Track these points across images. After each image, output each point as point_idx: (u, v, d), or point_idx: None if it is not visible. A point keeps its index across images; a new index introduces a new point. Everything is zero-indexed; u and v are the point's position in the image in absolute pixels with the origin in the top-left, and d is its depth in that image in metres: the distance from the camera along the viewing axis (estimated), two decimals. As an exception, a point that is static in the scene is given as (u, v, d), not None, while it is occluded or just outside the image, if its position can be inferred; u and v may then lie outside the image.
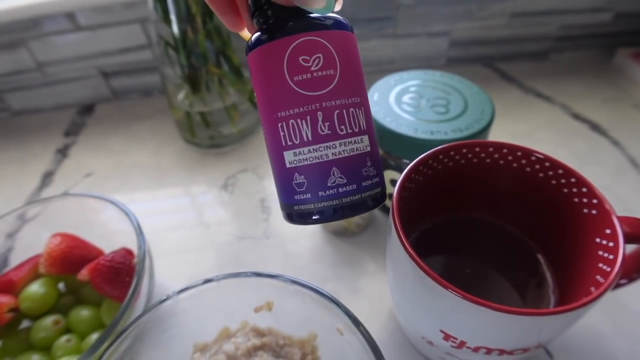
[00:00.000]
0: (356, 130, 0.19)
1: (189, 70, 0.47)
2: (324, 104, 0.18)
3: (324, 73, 0.18)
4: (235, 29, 0.22)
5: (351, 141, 0.19)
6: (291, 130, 0.19)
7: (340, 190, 0.19)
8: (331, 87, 0.18)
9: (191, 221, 0.46)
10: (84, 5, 0.54)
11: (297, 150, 0.19)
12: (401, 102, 0.37)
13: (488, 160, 0.29)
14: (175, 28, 0.44)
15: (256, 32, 0.19)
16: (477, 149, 0.28)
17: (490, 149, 0.28)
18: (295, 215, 0.20)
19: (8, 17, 0.54)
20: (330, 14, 0.19)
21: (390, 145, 0.35)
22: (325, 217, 0.19)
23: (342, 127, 0.19)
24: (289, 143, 0.19)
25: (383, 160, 0.37)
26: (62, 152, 0.57)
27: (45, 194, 0.51)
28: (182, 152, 0.55)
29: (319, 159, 0.19)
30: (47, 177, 0.53)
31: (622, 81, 0.62)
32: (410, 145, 0.34)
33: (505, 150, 0.28)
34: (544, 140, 0.52)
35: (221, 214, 0.46)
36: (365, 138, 0.19)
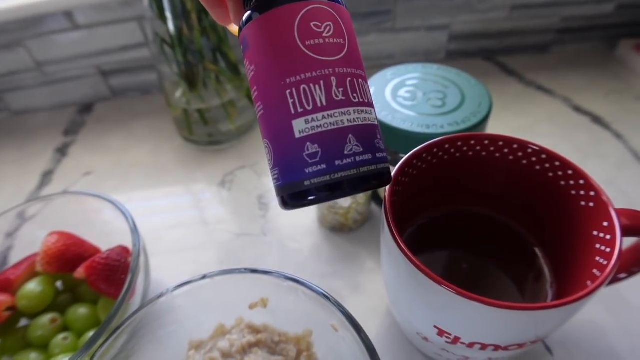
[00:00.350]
0: (366, 100, 0.19)
1: (185, 67, 0.47)
2: (337, 70, 0.18)
3: (335, 40, 0.18)
4: (224, 22, 0.22)
5: (363, 110, 0.18)
6: (302, 96, 0.18)
7: (358, 159, 0.18)
8: (342, 54, 0.18)
9: (190, 218, 0.45)
10: (82, 3, 0.54)
11: (309, 117, 0.18)
12: (397, 96, 0.37)
13: (484, 153, 0.28)
14: (170, 25, 0.44)
15: (253, 6, 0.19)
16: (473, 142, 0.28)
17: (486, 142, 0.28)
18: (298, 195, 0.18)
19: (6, 17, 0.54)
20: None
21: (386, 139, 0.34)
22: (334, 192, 0.18)
23: (355, 95, 0.18)
24: (300, 110, 0.18)
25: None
26: (62, 151, 0.57)
27: (45, 192, 0.51)
28: (181, 149, 0.55)
29: (334, 125, 0.18)
30: (47, 176, 0.53)
31: (624, 73, 0.61)
32: (406, 139, 0.33)
33: (501, 143, 0.28)
34: (545, 134, 0.52)
35: (219, 211, 0.46)
36: (373, 111, 0.19)
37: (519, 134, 0.51)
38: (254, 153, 0.52)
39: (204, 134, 0.52)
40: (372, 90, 0.37)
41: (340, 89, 0.18)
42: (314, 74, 0.18)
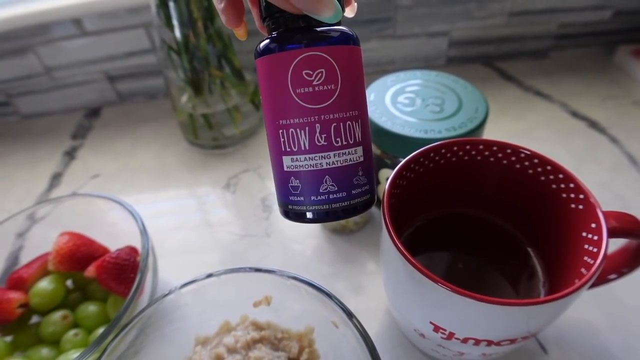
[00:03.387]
0: (351, 142, 0.20)
1: (191, 73, 0.48)
2: (322, 117, 0.19)
3: (325, 87, 0.19)
4: (232, 25, 0.22)
5: (345, 152, 0.20)
6: (290, 138, 0.20)
7: (331, 196, 0.20)
8: (330, 101, 0.19)
9: (195, 220, 0.47)
10: (90, 11, 0.56)
11: (294, 157, 0.20)
12: (397, 102, 0.38)
13: (479, 158, 0.30)
14: (177, 32, 0.45)
15: (266, 38, 0.20)
16: (468, 147, 0.29)
17: (481, 147, 0.29)
18: (291, 213, 0.21)
19: (17, 24, 0.56)
20: (338, 27, 0.20)
21: (385, 144, 0.36)
22: (317, 218, 0.21)
23: (338, 139, 0.20)
24: (288, 149, 0.20)
25: (379, 159, 0.38)
26: (70, 154, 0.58)
27: (54, 194, 0.52)
28: (186, 153, 0.56)
29: (313, 167, 0.20)
30: (56, 179, 0.55)
31: (621, 78, 0.62)
32: (405, 144, 0.34)
33: (495, 148, 0.29)
34: (543, 139, 0.53)
35: (224, 213, 0.47)
36: (359, 149, 0.21)
37: (517, 138, 0.53)
38: (258, 157, 0.54)
39: (209, 138, 0.53)
40: (372, 97, 0.39)
41: (323, 135, 0.20)
42: (301, 120, 0.19)
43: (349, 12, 0.22)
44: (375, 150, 0.38)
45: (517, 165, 0.29)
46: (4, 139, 0.64)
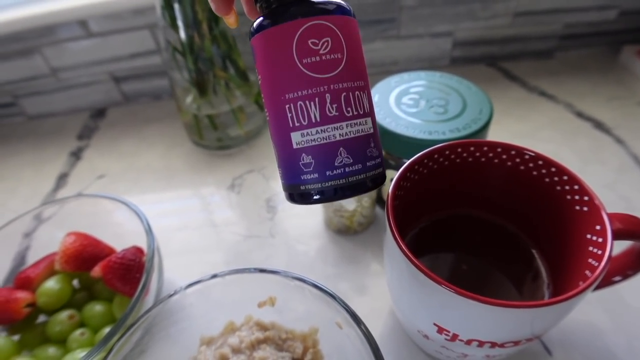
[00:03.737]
0: (361, 112, 0.20)
1: (196, 74, 0.48)
2: (331, 86, 0.19)
3: (332, 56, 0.19)
4: (222, 13, 0.22)
5: (357, 122, 0.19)
6: (299, 112, 0.19)
7: (347, 169, 0.19)
8: (338, 70, 0.19)
9: (199, 221, 0.47)
10: (95, 12, 0.56)
11: (305, 131, 0.19)
12: (401, 103, 0.38)
13: (483, 159, 0.30)
14: (182, 34, 0.46)
15: (261, 15, 0.20)
16: (472, 149, 0.29)
17: (485, 148, 0.29)
18: (298, 195, 0.20)
19: (23, 25, 0.56)
20: (334, 0, 0.19)
21: (390, 145, 0.36)
22: (327, 196, 0.20)
23: (349, 108, 0.19)
24: (297, 124, 0.19)
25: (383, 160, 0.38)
26: (76, 155, 0.59)
27: (60, 195, 0.53)
28: (191, 153, 0.56)
29: (327, 139, 0.19)
30: (62, 179, 0.55)
31: (627, 79, 0.62)
32: (409, 145, 0.34)
33: (499, 149, 0.29)
34: (547, 139, 0.53)
35: (228, 214, 0.48)
36: (369, 120, 0.20)
37: (521, 139, 0.53)
38: (262, 157, 0.54)
39: (214, 139, 0.53)
40: (376, 98, 0.39)
41: (334, 105, 0.19)
42: (310, 91, 0.19)
43: None
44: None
45: (522, 167, 0.29)
46: (11, 140, 0.64)
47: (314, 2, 0.19)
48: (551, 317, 0.22)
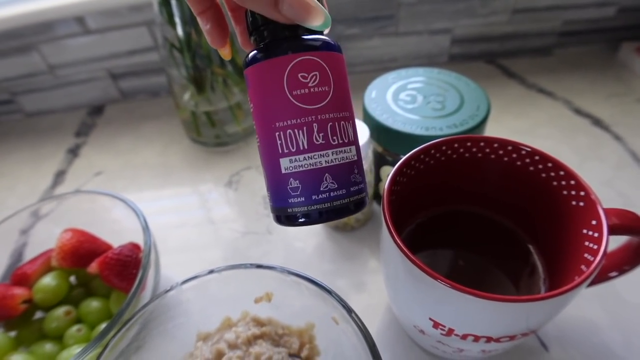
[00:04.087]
0: (346, 141, 0.21)
1: (193, 71, 0.48)
2: (319, 117, 0.20)
3: (320, 89, 0.20)
4: (217, 46, 0.24)
5: (342, 150, 0.21)
6: (288, 139, 0.20)
7: (332, 194, 0.20)
8: (326, 101, 0.20)
9: (197, 218, 0.47)
10: (93, 9, 0.56)
11: (293, 157, 0.20)
12: (398, 99, 0.38)
13: (479, 155, 0.30)
14: (179, 30, 0.45)
15: (255, 49, 0.21)
16: (469, 144, 0.29)
17: (482, 144, 0.29)
18: (285, 217, 0.22)
19: (20, 22, 0.56)
20: (323, 37, 0.21)
21: (387, 141, 0.36)
22: (312, 219, 0.21)
23: (335, 137, 0.20)
24: (286, 151, 0.20)
25: (380, 156, 0.38)
26: (73, 152, 0.59)
27: (58, 192, 0.52)
28: (188, 150, 0.56)
29: (313, 165, 0.20)
30: (59, 176, 0.55)
31: (626, 76, 0.62)
32: (406, 141, 0.34)
33: (496, 145, 0.29)
34: (545, 136, 0.53)
35: (226, 211, 0.48)
36: (353, 148, 0.21)
37: (520, 136, 0.53)
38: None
39: (211, 136, 0.53)
40: (373, 94, 0.39)
41: (321, 134, 0.20)
42: (299, 120, 0.20)
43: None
44: (377, 147, 0.38)
45: (518, 162, 0.29)
46: (8, 137, 0.64)
47: (303, 38, 0.20)
48: (546, 311, 0.22)
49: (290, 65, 0.20)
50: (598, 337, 0.33)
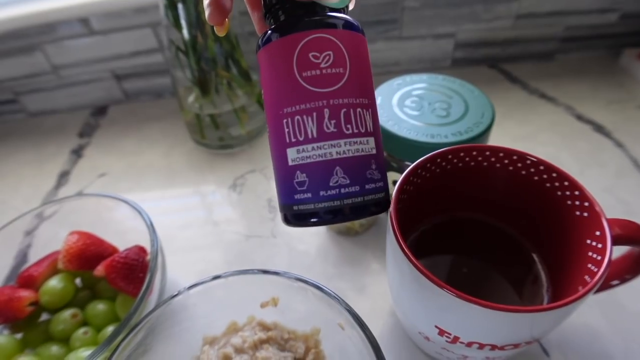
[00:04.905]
0: (362, 130, 0.19)
1: (198, 73, 0.48)
2: (331, 102, 0.18)
3: (334, 71, 0.18)
4: (215, 22, 0.21)
5: (357, 141, 0.18)
6: (296, 127, 0.18)
7: (342, 190, 0.18)
8: (340, 85, 0.18)
9: (201, 220, 0.47)
10: (97, 10, 0.56)
11: (300, 147, 0.18)
12: (404, 105, 0.38)
13: (485, 164, 0.30)
14: (185, 33, 0.46)
15: (269, 29, 0.19)
16: (475, 153, 0.29)
17: (487, 153, 0.29)
18: (292, 216, 0.19)
19: (25, 23, 0.56)
20: (342, 15, 0.19)
21: (392, 147, 0.36)
22: (324, 219, 0.18)
23: (349, 126, 0.18)
24: (293, 140, 0.18)
25: (385, 162, 0.38)
26: (77, 153, 0.59)
27: (61, 193, 0.53)
28: (192, 153, 0.56)
29: (322, 157, 0.18)
30: (63, 177, 0.55)
31: (628, 82, 0.62)
32: (412, 148, 0.35)
33: (501, 154, 0.29)
34: (547, 142, 0.53)
35: (230, 213, 0.48)
36: (372, 140, 0.19)
37: (522, 142, 0.53)
38: (264, 157, 0.54)
39: (216, 138, 0.54)
40: (379, 100, 0.39)
41: (333, 121, 0.18)
42: (308, 105, 0.18)
43: (351, 4, 0.21)
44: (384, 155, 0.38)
45: (523, 172, 0.29)
46: (12, 137, 0.64)
47: (320, 16, 0.19)
48: (550, 321, 0.23)
49: (301, 44, 0.18)
50: (599, 343, 0.33)
